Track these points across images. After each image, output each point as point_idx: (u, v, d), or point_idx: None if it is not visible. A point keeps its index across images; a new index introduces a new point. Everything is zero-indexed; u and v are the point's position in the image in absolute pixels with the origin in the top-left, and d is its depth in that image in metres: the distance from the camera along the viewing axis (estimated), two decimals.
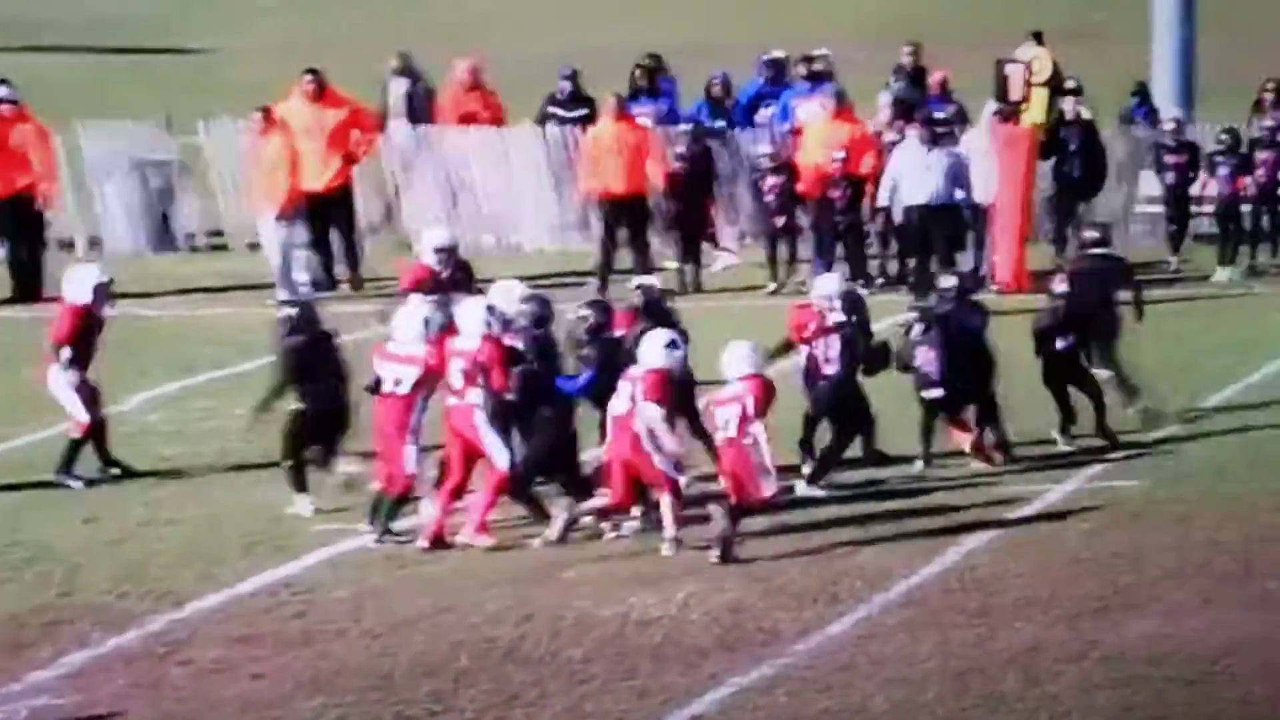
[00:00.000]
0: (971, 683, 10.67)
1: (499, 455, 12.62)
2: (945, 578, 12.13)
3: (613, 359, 12.97)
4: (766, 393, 12.40)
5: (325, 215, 19.63)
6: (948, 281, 14.35)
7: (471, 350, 12.69)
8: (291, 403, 13.27)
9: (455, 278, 14.50)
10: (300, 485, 13.33)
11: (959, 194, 18.66)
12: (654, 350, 12.55)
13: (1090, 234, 15.56)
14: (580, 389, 12.93)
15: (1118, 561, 12.27)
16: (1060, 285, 14.44)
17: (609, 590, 11.99)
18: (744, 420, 12.34)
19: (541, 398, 12.76)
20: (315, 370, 13.20)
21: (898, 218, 18.81)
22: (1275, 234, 19.82)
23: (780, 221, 19.19)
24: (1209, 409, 15.34)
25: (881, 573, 12.15)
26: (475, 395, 12.63)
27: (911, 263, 18.76)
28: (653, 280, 14.16)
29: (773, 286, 19.12)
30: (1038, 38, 19.95)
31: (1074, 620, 11.42)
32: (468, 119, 20.69)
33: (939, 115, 19.54)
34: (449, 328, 13.02)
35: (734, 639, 11.31)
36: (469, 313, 12.90)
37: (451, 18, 32.11)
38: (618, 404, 12.50)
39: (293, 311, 13.56)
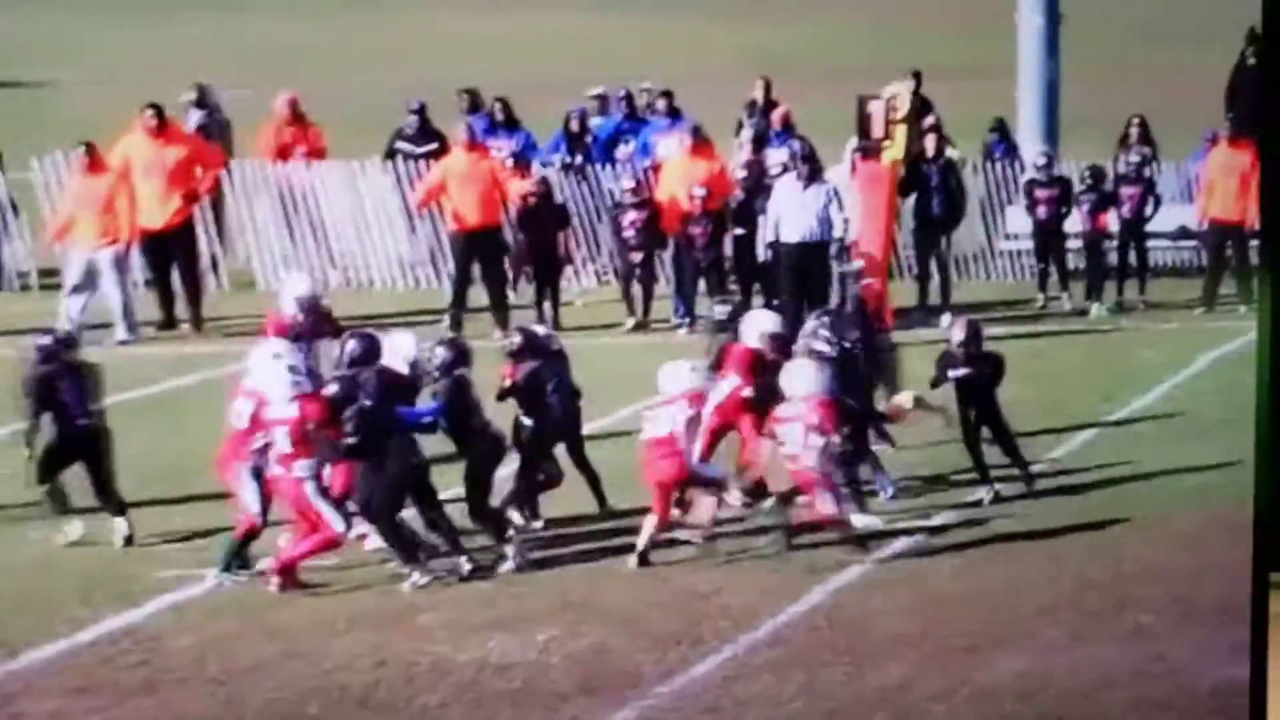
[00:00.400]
0: None
1: (334, 522, 12.50)
2: (812, 616, 12.17)
3: (463, 396, 12.97)
4: (834, 413, 12.97)
5: (166, 254, 19.44)
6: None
7: (292, 418, 12.54)
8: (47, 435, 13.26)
9: (318, 327, 14.35)
10: (62, 509, 13.29)
11: (835, 231, 18.80)
12: (680, 376, 13.06)
13: (850, 268, 15.80)
14: (421, 416, 12.85)
15: (988, 598, 12.36)
16: (959, 333, 14.45)
17: (466, 635, 11.91)
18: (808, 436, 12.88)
19: (382, 430, 12.68)
20: (62, 399, 13.19)
21: (762, 255, 18.89)
22: (1142, 270, 20.15)
23: (638, 258, 19.26)
24: (1078, 445, 15.52)
25: (747, 612, 12.16)
26: (302, 468, 12.48)
27: (780, 300, 18.86)
28: (533, 326, 14.28)
29: (631, 323, 19.18)
30: (917, 76, 20.24)
31: (944, 658, 11.48)
32: (285, 152, 20.62)
33: (784, 150, 19.71)
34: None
35: (596, 682, 11.27)
36: (273, 379, 12.67)
37: (282, 50, 31.99)
38: (656, 429, 12.89)
39: (46, 340, 13.53)
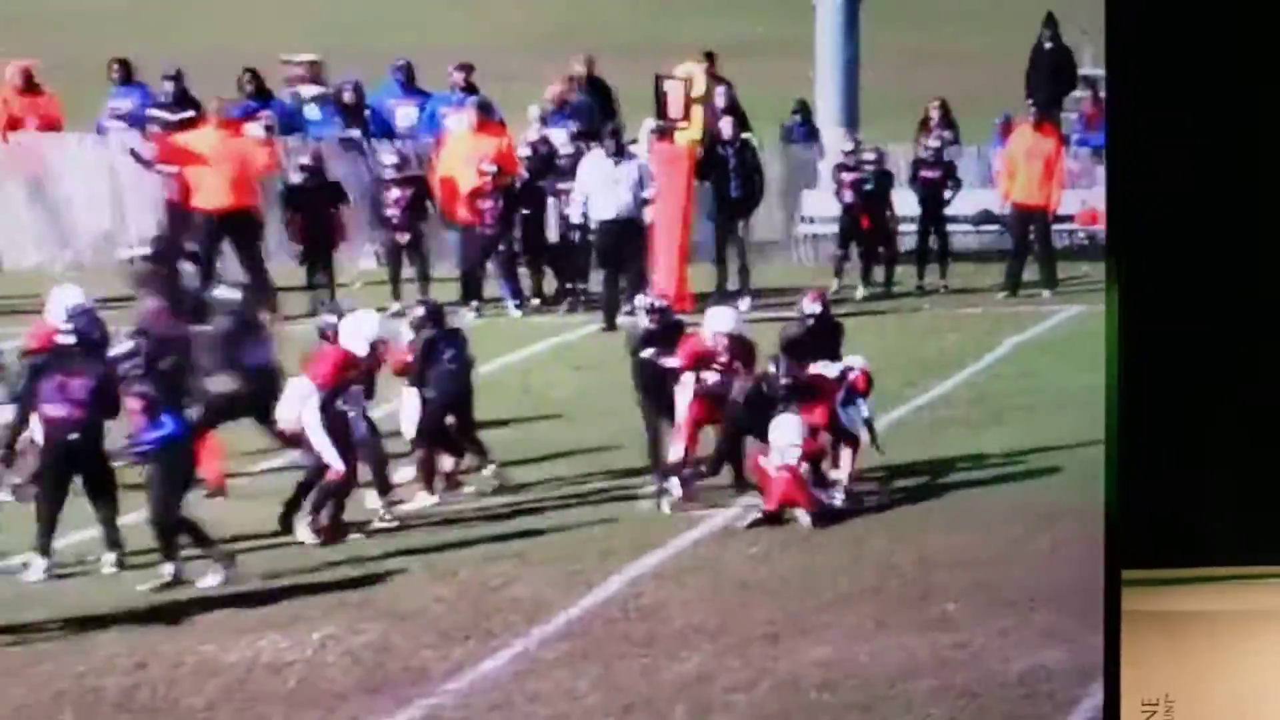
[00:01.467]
0: (638, 716, 10.55)
1: None
2: (608, 607, 12.02)
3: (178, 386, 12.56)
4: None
5: None
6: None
7: None
8: None
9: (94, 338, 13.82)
10: None
11: (647, 209, 18.63)
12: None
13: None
14: (169, 437, 12.35)
15: (789, 586, 12.33)
16: (813, 305, 14.89)
17: (234, 634, 11.60)
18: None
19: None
20: None
21: (554, 236, 18.66)
22: (944, 254, 20.19)
23: (405, 238, 18.89)
24: (880, 430, 15.44)
25: (539, 605, 11.96)
26: None
27: (576, 283, 18.67)
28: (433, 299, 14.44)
29: (397, 306, 18.72)
30: (709, 58, 20.10)
31: (744, 647, 11.39)
32: (16, 124, 19.97)
33: (563, 130, 19.50)
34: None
35: (377, 680, 10.99)
36: None
37: (40, 15, 31.06)
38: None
39: None
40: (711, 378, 14.02)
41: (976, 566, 12.59)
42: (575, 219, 18.50)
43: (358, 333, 13.31)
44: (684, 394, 14.01)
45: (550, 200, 18.70)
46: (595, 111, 20.05)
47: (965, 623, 11.75)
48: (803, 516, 13.31)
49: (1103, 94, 21.67)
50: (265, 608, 11.99)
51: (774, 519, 13.28)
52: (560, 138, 19.33)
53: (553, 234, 18.67)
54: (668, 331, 14.58)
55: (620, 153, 18.55)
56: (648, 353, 14.23)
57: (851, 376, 14.37)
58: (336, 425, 13.04)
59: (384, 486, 13.22)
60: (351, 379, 13.23)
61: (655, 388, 14.21)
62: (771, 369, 14.19)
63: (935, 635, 11.57)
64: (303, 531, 12.84)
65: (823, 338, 15.01)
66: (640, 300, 14.93)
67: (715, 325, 14.36)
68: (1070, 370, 16.36)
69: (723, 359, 14.03)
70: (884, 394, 16.30)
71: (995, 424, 15.41)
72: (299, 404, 13.05)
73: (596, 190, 18.45)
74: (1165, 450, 13.00)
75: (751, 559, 12.79)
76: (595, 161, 18.66)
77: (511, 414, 14.52)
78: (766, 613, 11.87)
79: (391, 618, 11.83)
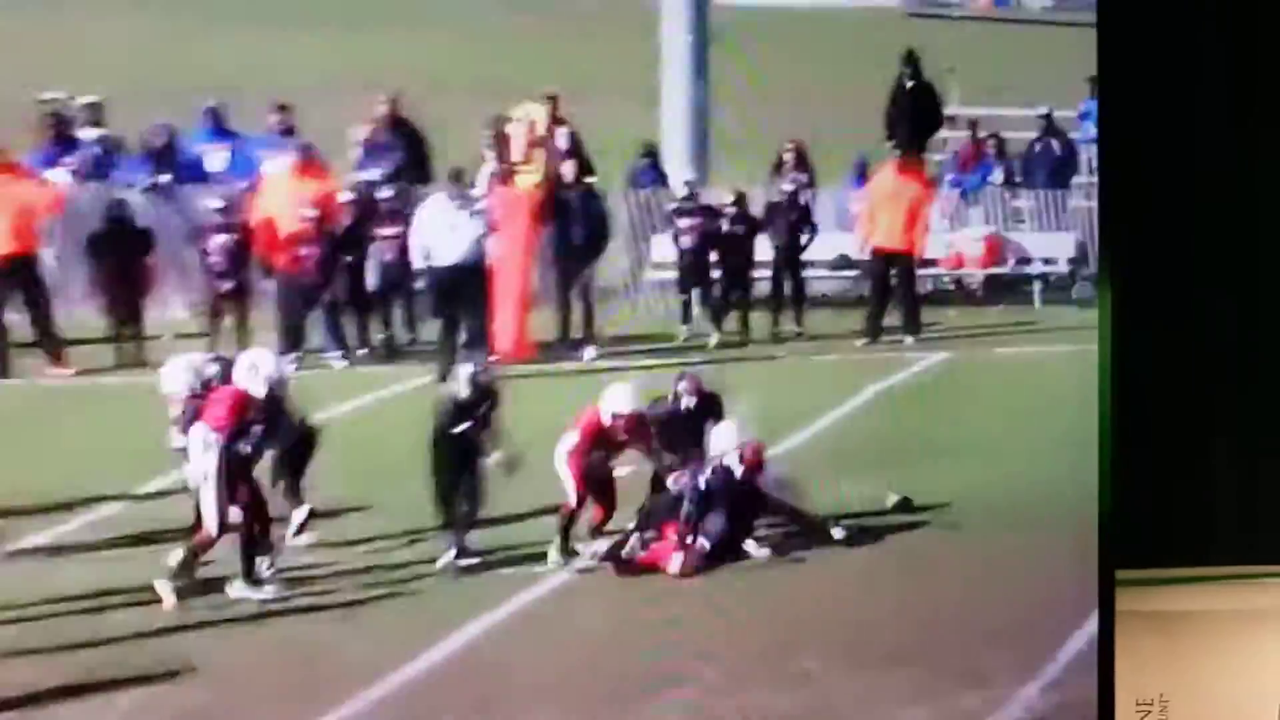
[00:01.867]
0: None
1: None
2: (446, 667, 11.77)
3: None
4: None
5: None
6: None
7: None
8: None
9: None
10: None
11: (488, 254, 18.40)
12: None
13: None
14: None
15: (645, 640, 12.12)
16: (689, 394, 14.90)
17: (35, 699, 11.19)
18: None
19: None
20: None
21: (372, 284, 18.35)
22: (798, 300, 20.09)
23: (226, 286, 18.50)
24: None
25: (367, 665, 11.60)
26: None
27: (405, 331, 18.41)
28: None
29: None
30: (552, 100, 19.96)
31: (593, 705, 11.18)
32: None
33: (376, 170, 19.28)
34: None
35: None
36: None
37: None
38: None
39: None
40: (600, 456, 13.87)
41: (838, 624, 12.49)
42: (417, 265, 18.24)
43: (255, 373, 12.98)
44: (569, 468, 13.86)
45: (373, 246, 18.43)
46: (403, 153, 19.79)
47: (826, 680, 11.64)
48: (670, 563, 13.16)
49: (983, 133, 21.95)
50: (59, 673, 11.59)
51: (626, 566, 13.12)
52: (378, 180, 19.07)
53: (374, 281, 18.36)
54: (483, 403, 14.32)
55: (463, 196, 18.34)
56: (461, 426, 13.93)
57: (747, 455, 14.39)
58: (239, 469, 12.78)
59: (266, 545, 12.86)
60: (252, 420, 12.98)
61: (458, 459, 13.94)
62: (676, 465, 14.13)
63: (795, 693, 11.48)
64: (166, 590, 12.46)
65: (701, 420, 14.84)
66: (464, 367, 14.59)
67: (613, 405, 14.15)
68: (934, 418, 16.29)
69: (621, 439, 13.92)
70: None
71: (858, 473, 15.26)
72: (200, 456, 12.75)
73: (437, 235, 18.21)
74: (1159, 450, 13.05)
75: (604, 613, 12.60)
76: (436, 205, 18.42)
77: (339, 469, 14.20)
78: (620, 668, 11.74)
79: (217, 680, 11.47)
